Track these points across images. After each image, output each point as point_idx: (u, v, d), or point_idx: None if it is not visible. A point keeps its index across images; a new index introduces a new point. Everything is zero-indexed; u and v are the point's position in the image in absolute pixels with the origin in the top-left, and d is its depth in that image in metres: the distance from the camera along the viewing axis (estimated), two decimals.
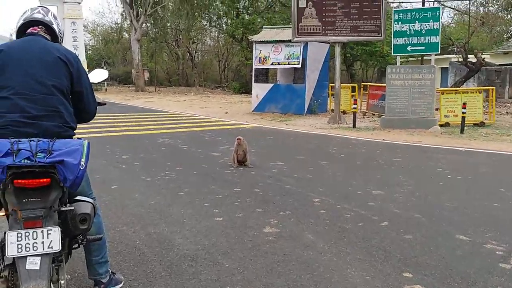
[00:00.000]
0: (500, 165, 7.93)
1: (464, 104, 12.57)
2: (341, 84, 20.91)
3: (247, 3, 42.38)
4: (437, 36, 13.29)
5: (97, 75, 3.44)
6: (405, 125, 12.94)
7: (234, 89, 40.73)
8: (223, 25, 45.02)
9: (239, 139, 7.42)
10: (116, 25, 52.06)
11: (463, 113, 12.37)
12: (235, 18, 40.83)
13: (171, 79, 48.42)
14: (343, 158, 8.32)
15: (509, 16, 39.59)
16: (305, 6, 14.57)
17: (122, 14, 47.66)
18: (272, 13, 40.20)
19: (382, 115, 17.62)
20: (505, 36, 41.10)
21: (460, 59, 32.39)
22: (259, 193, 5.71)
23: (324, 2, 14.45)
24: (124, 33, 51.24)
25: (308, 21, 14.58)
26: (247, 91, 40.35)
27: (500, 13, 40.71)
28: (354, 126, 13.58)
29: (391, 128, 12.97)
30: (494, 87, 15.62)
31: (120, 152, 8.64)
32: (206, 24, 47.66)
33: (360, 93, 20.31)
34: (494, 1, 37.88)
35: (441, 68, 34.03)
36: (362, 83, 21.96)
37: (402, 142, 10.64)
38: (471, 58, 27.92)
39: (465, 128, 13.38)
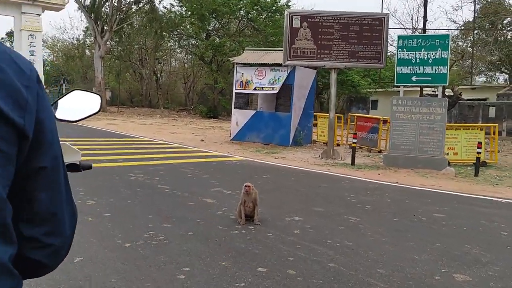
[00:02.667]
0: None
1: (480, 143, 11.22)
2: (324, 114, 19.53)
3: (217, 25, 40.91)
4: (445, 67, 12.01)
5: (80, 106, 1.68)
6: (411, 165, 11.43)
7: (201, 112, 38.88)
8: (191, 46, 43.31)
9: (248, 186, 5.58)
10: (78, 41, 49.44)
11: (478, 153, 10.98)
12: (205, 39, 39.23)
13: (134, 100, 45.97)
14: (372, 211, 6.59)
15: (477, 53, 39.83)
16: (299, 26, 13.01)
17: (84, 30, 45.24)
18: (243, 37, 38.86)
19: (372, 149, 16.26)
20: (474, 72, 41.40)
21: (437, 92, 31.96)
22: (296, 277, 3.88)
23: (320, 24, 12.94)
24: (86, 50, 48.64)
25: (302, 43, 13.02)
26: (215, 115, 38.59)
27: (469, 49, 41.09)
28: (353, 163, 11.96)
29: (396, 167, 11.43)
30: (497, 124, 14.48)
31: (84, 195, 6.60)
32: (174, 45, 45.85)
33: (345, 122, 18.91)
34: (465, 37, 38.07)
35: None
36: (349, 114, 20.62)
37: (420, 187, 9.07)
38: (448, 92, 27.40)
39: (469, 168, 12.08)
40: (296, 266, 4.17)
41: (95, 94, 1.98)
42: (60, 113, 1.91)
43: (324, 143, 17.42)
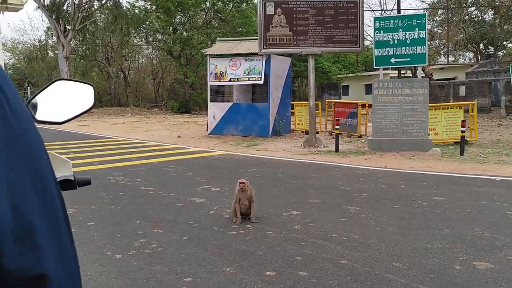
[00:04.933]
0: None
1: (464, 122, 11.11)
2: (301, 103, 19.28)
3: (184, 18, 40.08)
4: (424, 46, 11.85)
5: (66, 101, 1.30)
6: (396, 148, 11.25)
7: (173, 108, 38.22)
8: (158, 42, 42.39)
9: (243, 183, 5.21)
10: (40, 42, 47.76)
11: (463, 132, 10.86)
12: (172, 34, 38.40)
13: (102, 99, 44.83)
14: (370, 199, 6.32)
15: (444, 33, 40.25)
16: (273, 13, 12.62)
17: (46, 31, 43.67)
18: (211, 29, 38.19)
19: (352, 135, 16.08)
20: (441, 52, 41.94)
21: (408, 74, 32.13)
22: (309, 279, 3.55)
23: (295, 9, 12.58)
24: (49, 51, 47.06)
25: (277, 30, 12.64)
26: (187, 110, 37.94)
27: (435, 29, 41.57)
28: (337, 150, 11.71)
29: (381, 151, 11.24)
30: (475, 102, 14.47)
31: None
32: (140, 41, 44.81)
33: (323, 109, 18.70)
34: (432, 17, 38.42)
35: None
36: (326, 100, 20.38)
37: (410, 170, 8.87)
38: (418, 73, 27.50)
39: (451, 148, 12.02)
40: (307, 266, 3.84)
41: (85, 84, 1.57)
42: (41, 114, 1.50)
43: (302, 131, 17.18)
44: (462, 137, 10.86)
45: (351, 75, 41.17)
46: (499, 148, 12.23)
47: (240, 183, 5.21)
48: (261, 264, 3.92)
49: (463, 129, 10.89)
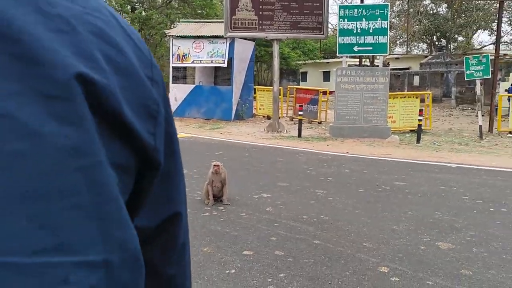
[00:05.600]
0: None
1: (421, 111, 11.57)
2: (263, 87, 19.39)
3: None
4: (386, 36, 12.19)
5: None
6: (357, 134, 11.59)
7: None
8: None
9: (217, 166, 5.28)
10: None
11: (420, 120, 11.32)
12: (130, 12, 37.48)
13: None
14: (335, 183, 6.54)
15: (401, 23, 41.32)
16: None
17: None
18: (171, 9, 37.52)
19: (312, 121, 16.36)
20: (398, 42, 43.04)
21: (366, 63, 32.83)
22: (286, 258, 3.70)
23: None
24: None
25: (243, 14, 12.64)
26: None
27: (393, 19, 42.53)
28: (299, 135, 11.93)
29: (342, 138, 11.55)
30: (430, 92, 15.05)
31: None
32: None
33: (284, 95, 18.91)
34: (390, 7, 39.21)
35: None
36: (288, 86, 20.57)
37: (371, 156, 9.20)
38: (376, 62, 28.16)
39: (408, 135, 12.51)
40: (282, 246, 3.98)
41: None
42: None
43: (264, 116, 17.31)
44: (419, 125, 11.33)
45: (309, 61, 41.54)
46: (451, 136, 12.81)
47: (214, 165, 5.28)
48: (238, 244, 4.03)
49: (421, 117, 11.35)
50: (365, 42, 12.21)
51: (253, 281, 3.28)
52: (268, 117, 15.90)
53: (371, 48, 12.30)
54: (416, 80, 34.49)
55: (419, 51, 49.30)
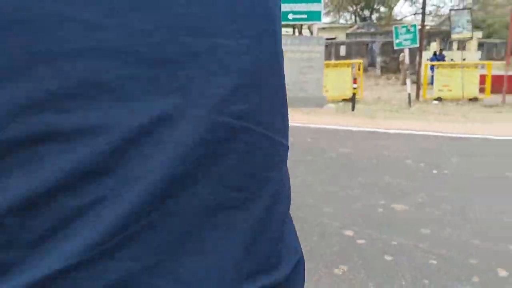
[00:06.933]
0: (451, 147, 7.09)
1: (355, 79, 11.83)
2: None
3: None
4: (319, 4, 12.20)
5: None
6: (294, 104, 11.63)
7: None
8: None
9: None
10: None
11: (355, 88, 11.59)
12: None
13: None
14: None
15: None
16: None
17: None
18: None
19: None
20: (324, 12, 43.70)
21: (296, 33, 33.06)
22: None
23: None
24: None
25: None
26: None
27: None
28: None
29: None
30: (362, 61, 15.44)
31: None
32: None
33: None
34: None
35: None
36: None
37: (310, 124, 9.30)
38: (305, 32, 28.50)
39: (341, 104, 12.80)
40: None
41: None
42: None
43: None
44: (354, 94, 11.59)
45: None
46: (381, 104, 13.26)
47: None
48: None
49: (355, 85, 11.62)
50: (299, 10, 12.17)
51: None
52: None
53: (305, 16, 12.26)
54: (343, 50, 35.32)
55: (344, 21, 50.50)
